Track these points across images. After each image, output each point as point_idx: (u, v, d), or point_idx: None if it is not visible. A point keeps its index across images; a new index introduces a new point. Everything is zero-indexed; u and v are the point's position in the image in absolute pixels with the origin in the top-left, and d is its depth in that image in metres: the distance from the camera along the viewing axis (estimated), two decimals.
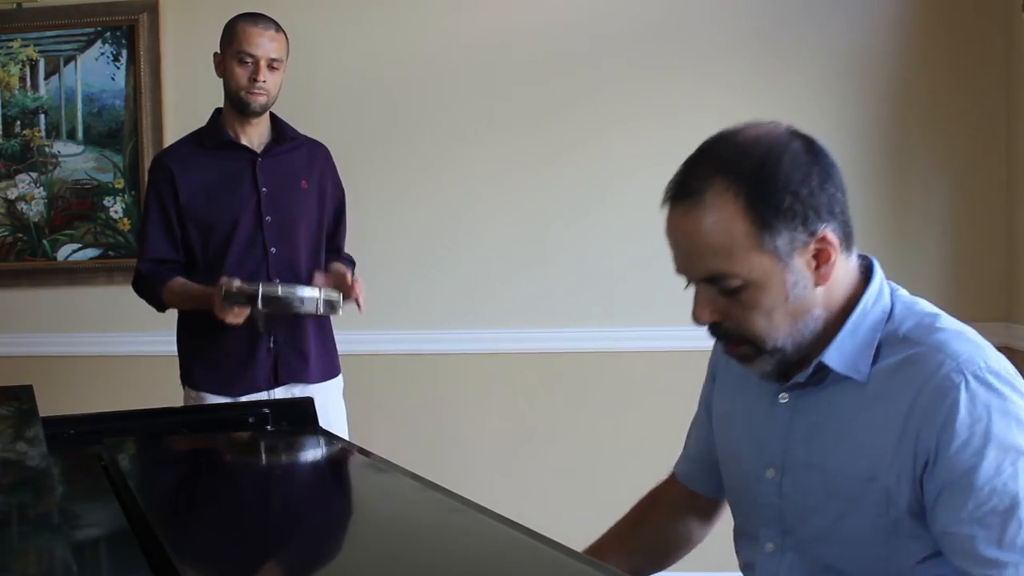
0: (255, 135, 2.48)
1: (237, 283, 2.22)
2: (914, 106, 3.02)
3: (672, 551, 1.48)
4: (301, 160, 2.52)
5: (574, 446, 3.14)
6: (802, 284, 1.15)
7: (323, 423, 1.70)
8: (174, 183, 2.43)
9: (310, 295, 2.25)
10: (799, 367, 1.20)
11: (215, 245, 2.42)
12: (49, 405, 1.56)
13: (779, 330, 1.16)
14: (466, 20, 3.17)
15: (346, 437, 2.40)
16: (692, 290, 1.20)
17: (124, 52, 3.27)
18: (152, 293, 2.46)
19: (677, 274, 1.20)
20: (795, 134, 1.18)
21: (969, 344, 1.15)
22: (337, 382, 2.57)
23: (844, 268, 1.18)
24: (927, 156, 3.02)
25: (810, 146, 1.16)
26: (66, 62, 3.31)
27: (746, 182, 1.12)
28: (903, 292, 1.24)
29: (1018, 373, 1.16)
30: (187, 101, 3.15)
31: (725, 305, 1.16)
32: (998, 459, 1.08)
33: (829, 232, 1.14)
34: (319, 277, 2.39)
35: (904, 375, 1.14)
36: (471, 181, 3.17)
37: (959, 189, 3.01)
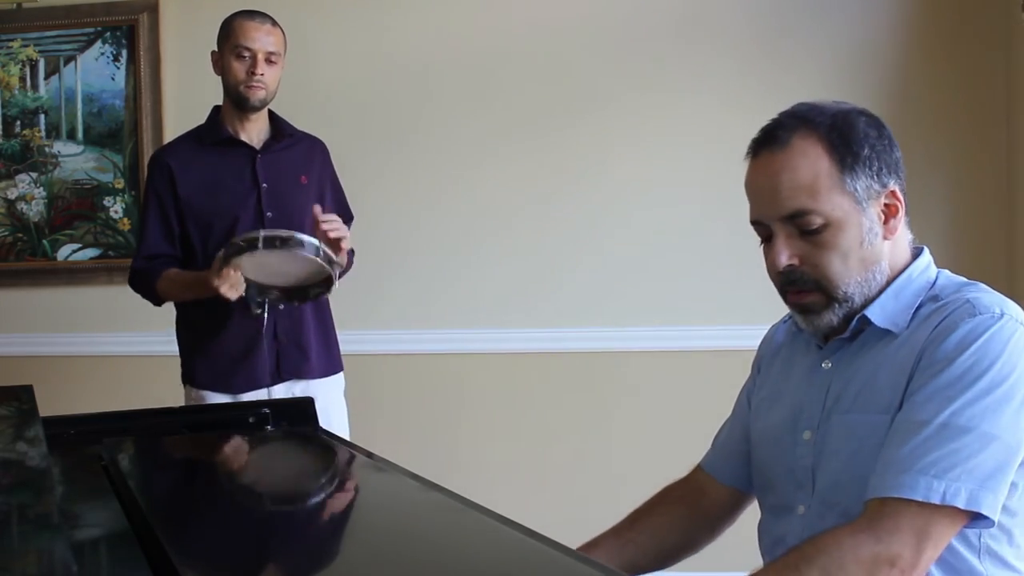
0: (254, 132, 2.48)
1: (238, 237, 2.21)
2: (914, 106, 3.02)
3: (672, 550, 1.48)
4: (300, 156, 2.53)
5: (575, 446, 3.14)
6: (875, 232, 1.23)
7: (324, 422, 1.70)
8: (173, 180, 2.43)
9: (310, 241, 2.19)
10: (843, 329, 1.27)
11: (215, 242, 2.42)
12: (49, 405, 1.56)
13: (852, 275, 1.23)
14: (465, 20, 3.17)
15: (347, 437, 2.40)
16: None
17: (124, 52, 3.27)
18: (148, 286, 2.45)
19: (754, 223, 1.27)
20: (866, 110, 1.28)
21: (996, 297, 1.22)
22: (338, 379, 2.57)
23: (904, 236, 1.28)
24: (927, 156, 3.02)
25: (878, 120, 1.27)
26: (66, 62, 3.31)
27: (828, 130, 1.22)
28: (949, 272, 1.32)
29: None
30: (187, 101, 3.15)
31: (804, 248, 1.23)
32: (975, 362, 1.14)
33: (898, 189, 1.25)
34: (316, 209, 2.33)
35: (930, 320, 1.22)
36: (472, 181, 3.17)
37: (959, 189, 3.01)
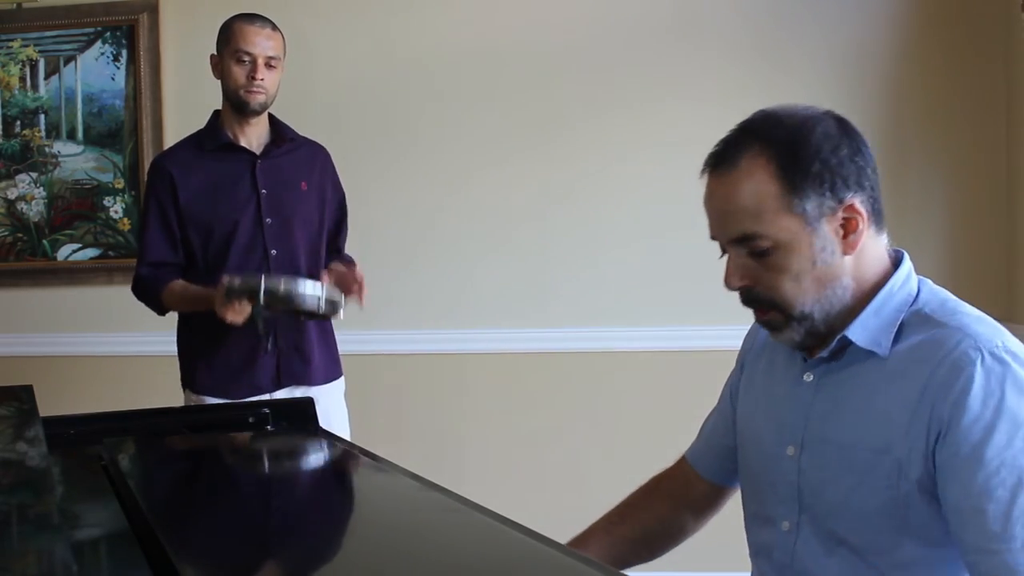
0: (254, 136, 2.48)
1: (239, 278, 2.22)
2: (913, 106, 3.02)
3: (661, 542, 1.50)
4: (301, 161, 2.52)
5: (576, 446, 3.14)
6: (829, 250, 1.19)
7: (325, 425, 1.70)
8: (174, 186, 2.42)
9: (312, 292, 2.23)
10: (824, 344, 1.24)
11: (215, 247, 2.42)
12: (49, 405, 1.56)
13: (807, 294, 1.20)
14: (467, 23, 3.17)
15: (348, 438, 2.40)
16: (722, 262, 1.25)
17: (124, 52, 3.27)
18: (152, 296, 2.45)
19: (712, 240, 1.26)
20: (831, 113, 1.24)
21: (989, 326, 1.18)
22: (339, 383, 2.57)
23: (874, 245, 1.23)
24: (927, 156, 3.02)
25: (844, 123, 1.23)
26: (66, 62, 3.31)
27: (778, 147, 1.18)
28: (930, 282, 1.28)
29: None
30: (187, 101, 3.15)
31: (755, 269, 1.21)
32: (1010, 433, 1.10)
33: (857, 202, 1.19)
34: (324, 276, 2.38)
35: (924, 352, 1.17)
36: (472, 182, 3.17)
37: (959, 189, 3.01)
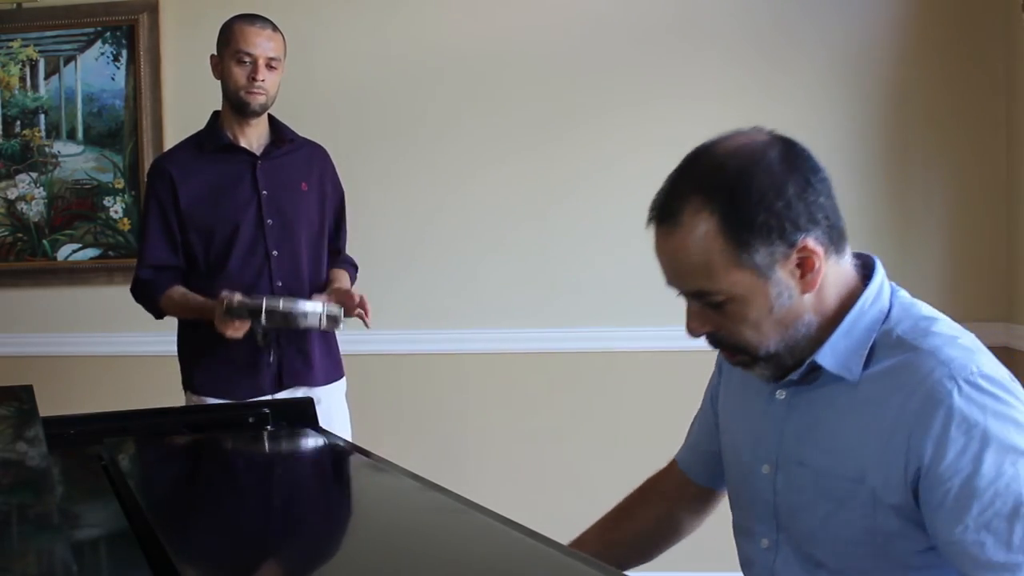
0: (254, 137, 2.47)
1: (239, 297, 2.22)
2: (914, 106, 3.02)
3: (658, 543, 1.50)
4: (301, 162, 2.52)
5: (576, 445, 3.14)
6: (787, 295, 1.15)
7: (326, 425, 1.70)
8: (174, 188, 2.42)
9: (312, 310, 2.24)
10: (797, 366, 1.21)
11: (216, 249, 2.41)
12: (49, 405, 1.56)
13: (769, 338, 1.18)
14: (467, 23, 3.17)
15: (349, 439, 2.40)
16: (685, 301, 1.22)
17: (124, 52, 3.27)
18: (151, 300, 2.45)
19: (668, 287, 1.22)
20: (775, 141, 1.17)
21: (962, 350, 1.14)
22: (340, 384, 2.57)
23: (836, 271, 1.18)
24: (927, 156, 3.02)
25: (788, 154, 1.15)
26: (66, 62, 3.31)
27: (720, 200, 1.13)
28: (904, 294, 1.24)
29: (1014, 377, 1.16)
30: (187, 101, 3.15)
31: (715, 317, 1.18)
32: (998, 462, 1.08)
33: (811, 241, 1.14)
34: (325, 296, 2.39)
35: (896, 379, 1.14)
36: (472, 181, 3.17)
37: (959, 189, 3.01)
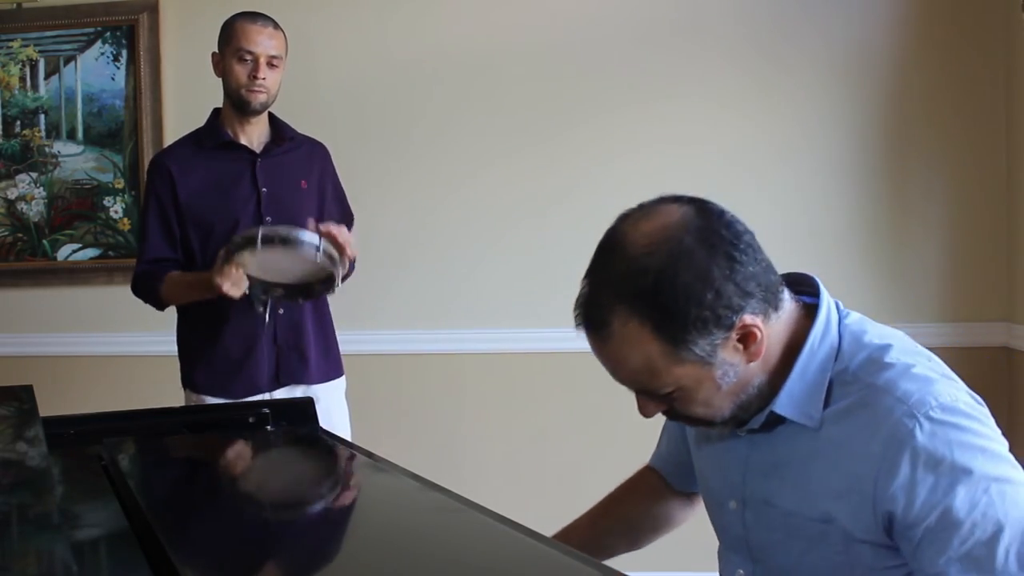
0: (254, 135, 2.48)
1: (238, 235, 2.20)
2: (914, 106, 3.02)
3: (649, 531, 1.51)
4: (300, 160, 2.52)
5: (575, 446, 3.14)
6: (733, 371, 1.14)
7: (325, 424, 1.70)
8: (173, 184, 2.42)
9: (310, 239, 2.16)
10: (755, 414, 1.20)
11: (215, 246, 2.41)
12: (49, 405, 1.56)
13: (722, 410, 1.17)
14: (466, 22, 3.17)
15: (348, 438, 2.40)
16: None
17: (124, 52, 3.28)
18: (151, 289, 2.45)
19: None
20: (688, 219, 1.12)
21: (919, 381, 1.12)
22: (339, 383, 2.57)
23: (777, 327, 1.16)
24: (927, 157, 3.02)
25: (704, 232, 1.10)
26: (66, 62, 3.31)
27: (647, 307, 1.09)
28: (853, 318, 1.21)
29: (973, 398, 1.15)
30: (187, 101, 3.15)
31: (665, 403, 1.17)
32: (970, 493, 1.07)
33: (747, 316, 1.11)
34: (312, 223, 2.33)
35: (856, 419, 1.13)
36: (471, 180, 3.17)
37: (959, 190, 3.01)
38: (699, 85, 3.07)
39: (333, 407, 2.49)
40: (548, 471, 3.15)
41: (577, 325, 1.17)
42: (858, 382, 1.15)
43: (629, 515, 1.51)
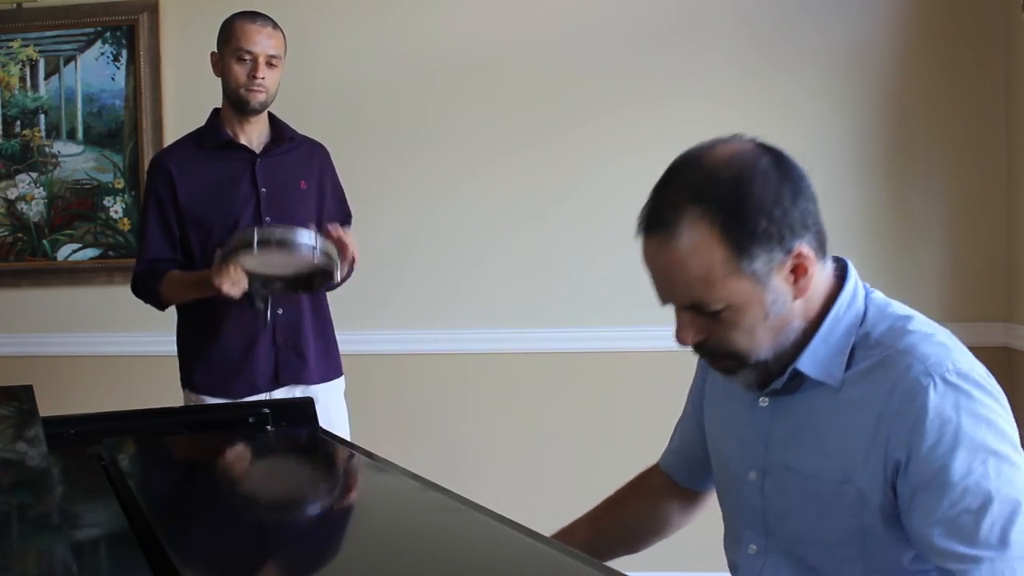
0: (254, 135, 2.47)
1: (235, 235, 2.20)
2: (914, 106, 3.02)
3: (647, 535, 1.52)
4: (300, 160, 2.52)
5: (576, 446, 3.14)
6: (781, 301, 1.16)
7: (325, 424, 1.70)
8: (173, 184, 2.42)
9: (307, 241, 2.16)
10: (778, 374, 1.22)
11: (215, 246, 2.41)
12: (49, 405, 1.56)
13: (761, 345, 1.18)
14: (466, 22, 3.17)
15: (348, 438, 2.40)
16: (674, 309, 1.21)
17: (124, 52, 3.27)
18: (151, 289, 2.45)
19: (659, 301, 1.21)
20: (762, 150, 1.17)
21: (938, 347, 1.16)
22: (339, 383, 2.57)
23: (821, 276, 1.20)
24: (927, 157, 3.02)
25: (779, 162, 1.16)
26: (66, 62, 3.31)
27: (720, 209, 1.12)
28: (878, 295, 1.25)
29: (989, 375, 1.17)
30: (187, 101, 3.15)
31: (707, 325, 1.18)
32: (968, 459, 1.09)
33: (805, 247, 1.15)
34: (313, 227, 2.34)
35: (875, 379, 1.16)
36: (471, 180, 3.17)
37: (959, 190, 3.01)
38: (699, 85, 3.08)
39: (332, 407, 2.49)
40: (548, 471, 3.15)
41: (639, 231, 1.18)
42: (880, 346, 1.18)
43: (628, 518, 1.52)
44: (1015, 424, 1.15)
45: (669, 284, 1.17)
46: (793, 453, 1.22)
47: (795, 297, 1.17)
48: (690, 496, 1.52)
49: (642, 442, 3.11)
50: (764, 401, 1.25)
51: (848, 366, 1.19)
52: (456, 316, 3.18)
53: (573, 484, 3.11)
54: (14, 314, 3.35)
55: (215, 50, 2.45)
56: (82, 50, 3.30)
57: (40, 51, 3.32)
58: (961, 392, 1.11)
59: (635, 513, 1.52)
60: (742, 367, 1.21)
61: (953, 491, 1.09)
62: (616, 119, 3.11)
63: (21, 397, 1.58)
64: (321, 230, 2.35)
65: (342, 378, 2.58)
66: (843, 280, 1.23)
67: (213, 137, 2.46)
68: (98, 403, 1.74)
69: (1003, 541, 1.08)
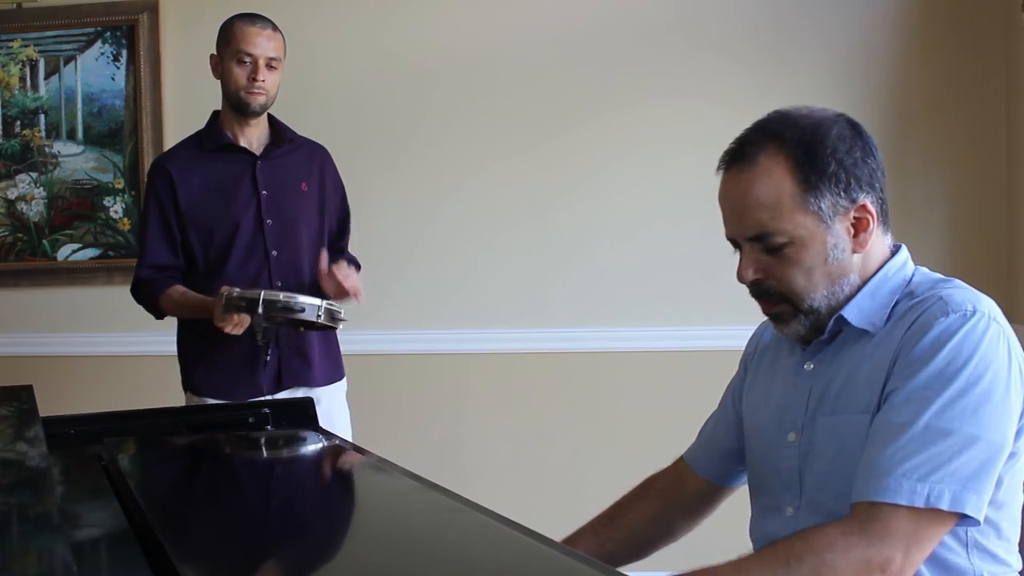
0: (254, 137, 2.47)
1: (238, 290, 2.22)
2: (914, 105, 3.02)
3: (651, 541, 1.51)
4: (301, 162, 2.52)
5: (576, 446, 3.14)
6: (841, 247, 1.24)
7: (327, 425, 1.70)
8: (174, 187, 2.42)
9: (311, 303, 2.22)
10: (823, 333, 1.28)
11: (216, 249, 2.41)
12: (49, 405, 1.56)
13: (816, 289, 1.25)
14: (466, 24, 3.17)
15: (349, 439, 2.40)
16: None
17: (124, 52, 3.28)
18: (151, 300, 2.45)
19: (727, 238, 1.29)
20: (844, 116, 1.27)
21: (970, 293, 1.22)
22: (341, 385, 2.56)
23: (880, 242, 1.28)
24: (927, 156, 3.02)
25: (856, 126, 1.27)
26: (66, 62, 3.31)
27: (795, 147, 1.22)
28: (925, 269, 1.32)
29: (1014, 335, 1.22)
30: (187, 101, 3.15)
31: (768, 263, 1.25)
32: (952, 371, 1.15)
33: (869, 202, 1.24)
34: (325, 278, 2.38)
35: (904, 319, 1.23)
36: (471, 180, 3.17)
37: (959, 189, 3.01)
38: (699, 85, 3.08)
39: (334, 409, 2.48)
40: (549, 471, 3.15)
41: (719, 167, 1.29)
42: (918, 296, 1.25)
43: (632, 521, 1.51)
44: (1021, 382, 1.18)
45: (740, 213, 1.25)
46: (827, 401, 1.26)
47: (854, 250, 1.25)
48: (701, 495, 1.51)
49: (643, 441, 3.12)
50: (809, 365, 1.30)
51: (888, 318, 1.25)
52: (456, 316, 3.18)
53: (574, 484, 3.11)
54: (14, 314, 3.35)
55: (214, 52, 2.45)
56: (82, 50, 3.30)
57: (40, 51, 3.32)
58: (968, 320, 1.17)
59: (640, 515, 1.51)
60: (795, 314, 1.27)
61: (926, 369, 1.15)
62: (616, 120, 3.11)
63: (21, 397, 1.58)
64: (319, 280, 2.38)
65: (344, 380, 2.58)
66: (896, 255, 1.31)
67: (213, 140, 2.46)
68: (98, 403, 1.74)
69: (928, 433, 1.13)
